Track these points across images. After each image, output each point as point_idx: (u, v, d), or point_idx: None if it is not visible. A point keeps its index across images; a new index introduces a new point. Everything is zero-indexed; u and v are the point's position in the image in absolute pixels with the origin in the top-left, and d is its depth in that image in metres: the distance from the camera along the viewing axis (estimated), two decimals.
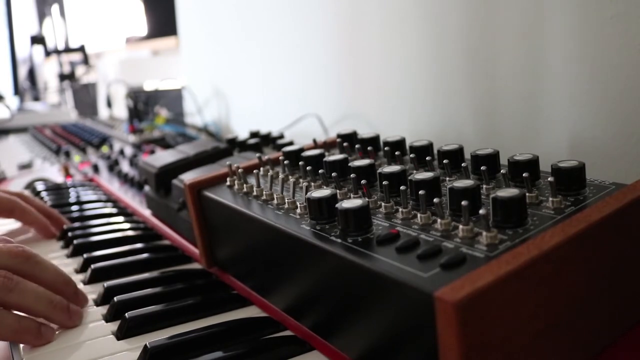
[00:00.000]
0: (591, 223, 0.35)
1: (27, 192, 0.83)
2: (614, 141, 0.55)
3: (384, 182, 0.44)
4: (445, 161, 0.49)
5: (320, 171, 0.50)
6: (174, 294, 0.55)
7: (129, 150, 1.27)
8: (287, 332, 0.48)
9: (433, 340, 0.31)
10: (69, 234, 0.75)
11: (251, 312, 0.52)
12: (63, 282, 0.53)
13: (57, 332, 0.51)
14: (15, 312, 0.49)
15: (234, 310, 0.53)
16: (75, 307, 0.52)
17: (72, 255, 0.70)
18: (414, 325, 0.33)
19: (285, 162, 0.56)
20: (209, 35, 1.40)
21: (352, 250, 0.38)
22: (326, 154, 0.56)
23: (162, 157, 0.78)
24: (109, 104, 2.05)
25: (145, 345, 0.45)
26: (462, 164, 0.46)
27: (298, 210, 0.47)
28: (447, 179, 0.49)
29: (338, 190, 0.46)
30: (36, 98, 3.27)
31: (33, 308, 0.49)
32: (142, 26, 2.08)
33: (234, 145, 0.81)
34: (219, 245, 0.59)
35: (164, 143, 1.30)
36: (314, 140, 0.65)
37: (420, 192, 0.40)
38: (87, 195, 0.97)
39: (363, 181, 0.46)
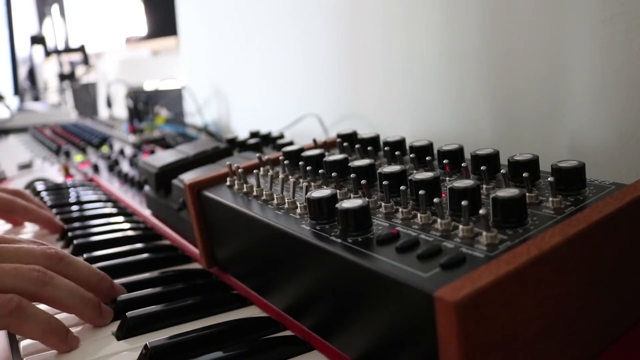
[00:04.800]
0: (591, 223, 0.35)
1: (25, 191, 0.83)
2: (614, 141, 0.55)
3: (384, 182, 0.44)
4: (445, 161, 0.49)
5: (320, 171, 0.50)
6: (174, 294, 0.55)
7: (129, 150, 1.27)
8: (287, 332, 0.48)
9: (433, 340, 0.31)
10: (69, 234, 0.75)
11: (251, 312, 0.52)
12: (97, 279, 0.54)
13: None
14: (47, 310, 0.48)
15: (234, 310, 0.53)
16: (106, 307, 0.53)
17: (72, 255, 0.70)
18: (414, 325, 0.33)
19: (285, 162, 0.56)
20: (209, 35, 1.40)
21: (352, 250, 0.38)
22: (326, 154, 0.56)
23: (162, 157, 0.78)
24: (109, 104, 2.04)
25: (146, 345, 0.45)
26: (462, 164, 0.46)
27: (298, 210, 0.47)
28: (447, 179, 0.49)
29: (338, 190, 0.47)
30: (36, 98, 3.27)
31: (66, 302, 0.49)
32: (142, 26, 2.08)
33: (234, 145, 0.81)
34: (219, 245, 0.59)
35: (164, 143, 1.30)
36: (314, 140, 0.65)
37: (420, 192, 0.40)
38: (87, 195, 0.97)
39: (363, 181, 0.46)
